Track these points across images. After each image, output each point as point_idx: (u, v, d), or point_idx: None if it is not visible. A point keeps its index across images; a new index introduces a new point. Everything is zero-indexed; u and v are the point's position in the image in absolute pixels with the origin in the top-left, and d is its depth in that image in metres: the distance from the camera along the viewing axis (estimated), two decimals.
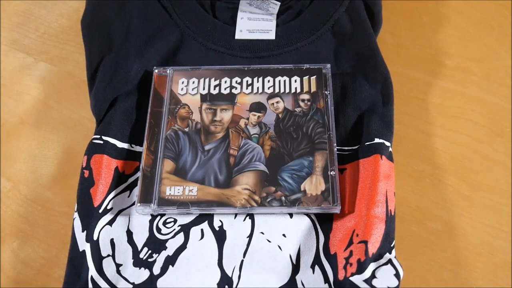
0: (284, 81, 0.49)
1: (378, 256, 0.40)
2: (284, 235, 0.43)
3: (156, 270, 0.41)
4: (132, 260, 0.42)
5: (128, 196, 0.45)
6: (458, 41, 0.57)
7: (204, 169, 0.44)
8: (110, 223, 0.43)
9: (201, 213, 0.43)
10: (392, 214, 0.42)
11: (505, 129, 0.51)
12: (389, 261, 0.40)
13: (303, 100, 0.48)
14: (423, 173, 0.49)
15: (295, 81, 0.49)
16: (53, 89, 0.55)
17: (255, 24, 0.53)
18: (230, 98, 0.48)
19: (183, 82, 0.49)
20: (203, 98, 0.48)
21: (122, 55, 0.50)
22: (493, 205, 0.47)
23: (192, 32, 0.52)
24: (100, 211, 0.43)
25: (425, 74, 0.55)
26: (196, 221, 0.43)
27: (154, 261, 0.42)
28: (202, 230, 0.43)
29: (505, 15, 0.59)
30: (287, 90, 0.48)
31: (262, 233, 0.43)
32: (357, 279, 0.39)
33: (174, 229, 0.43)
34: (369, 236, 0.40)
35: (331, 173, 0.43)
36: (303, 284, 0.41)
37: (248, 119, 0.47)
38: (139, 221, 0.43)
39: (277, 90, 0.48)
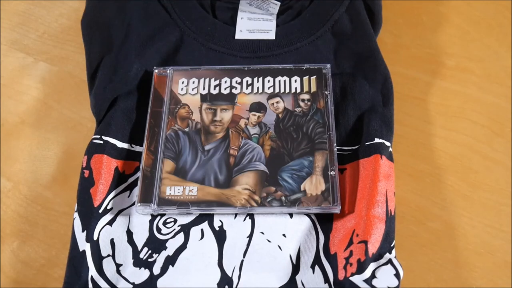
0: (284, 81, 0.49)
1: (378, 256, 0.40)
2: (284, 235, 0.43)
3: (156, 270, 0.41)
4: (132, 260, 0.42)
5: (128, 196, 0.45)
6: (458, 41, 0.57)
7: (204, 169, 0.44)
8: (110, 223, 0.43)
9: (201, 213, 0.43)
10: (392, 214, 0.42)
11: (505, 129, 0.51)
12: (389, 261, 0.40)
13: (303, 100, 0.48)
14: (423, 173, 0.49)
15: (295, 81, 0.49)
16: (53, 89, 0.55)
17: (255, 24, 0.53)
18: (230, 98, 0.48)
19: (183, 82, 0.49)
20: (203, 98, 0.48)
21: (122, 55, 0.50)
22: (493, 205, 0.47)
23: (192, 32, 0.52)
24: (100, 211, 0.43)
25: (425, 74, 0.55)
26: (196, 221, 0.43)
27: (154, 261, 0.42)
28: (202, 230, 0.43)
29: (505, 15, 0.59)
30: (287, 90, 0.48)
31: (262, 233, 0.43)
32: (357, 279, 0.39)
33: (174, 229, 0.43)
34: (369, 236, 0.40)
35: (331, 173, 0.43)
36: (303, 284, 0.41)
37: (248, 119, 0.47)
38: (139, 221, 0.43)
39: (277, 90, 0.48)
